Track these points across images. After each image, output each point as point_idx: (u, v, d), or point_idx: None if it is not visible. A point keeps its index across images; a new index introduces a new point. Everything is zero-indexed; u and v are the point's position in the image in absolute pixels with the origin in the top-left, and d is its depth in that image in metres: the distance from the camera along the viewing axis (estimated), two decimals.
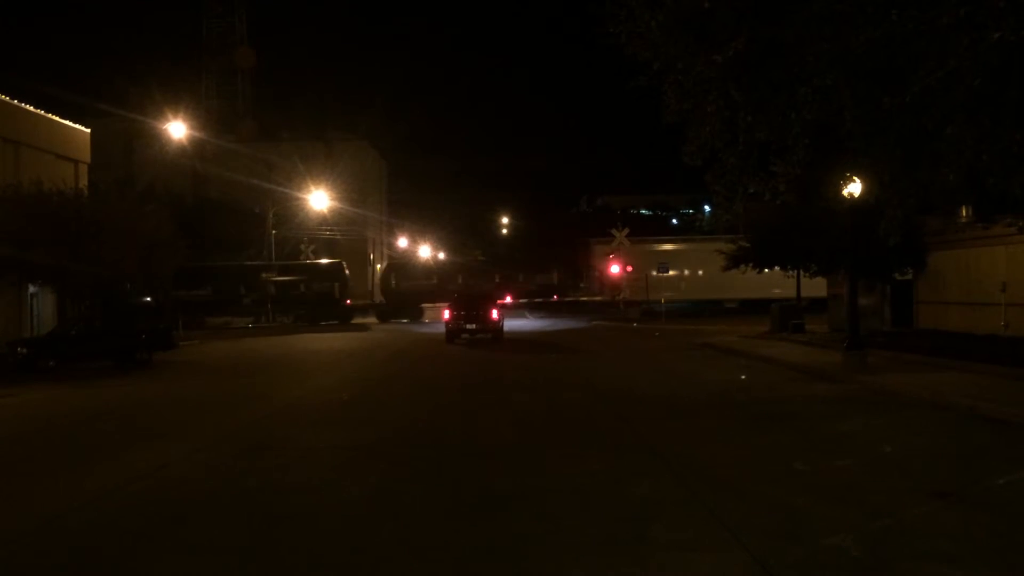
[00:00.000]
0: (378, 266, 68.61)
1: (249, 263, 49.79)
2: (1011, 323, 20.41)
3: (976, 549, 5.98)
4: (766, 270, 30.63)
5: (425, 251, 67.74)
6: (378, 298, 55.08)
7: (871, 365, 17.13)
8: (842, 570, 5.64)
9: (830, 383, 15.76)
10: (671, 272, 45.72)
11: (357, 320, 45.82)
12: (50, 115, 28.60)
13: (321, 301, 44.97)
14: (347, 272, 47.28)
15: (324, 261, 50.41)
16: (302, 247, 56.56)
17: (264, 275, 45.75)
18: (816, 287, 31.14)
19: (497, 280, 54.75)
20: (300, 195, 53.78)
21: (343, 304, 45.82)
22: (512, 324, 37.12)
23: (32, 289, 26.60)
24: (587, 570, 5.74)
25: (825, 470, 8.52)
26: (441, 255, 67.91)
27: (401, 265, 56.98)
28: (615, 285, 44.47)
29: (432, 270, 54.96)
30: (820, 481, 8.04)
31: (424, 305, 48.75)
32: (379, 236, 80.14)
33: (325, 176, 58.30)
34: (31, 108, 27.62)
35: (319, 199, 53.69)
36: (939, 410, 12.20)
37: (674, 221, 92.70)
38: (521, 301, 55.02)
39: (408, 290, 49.47)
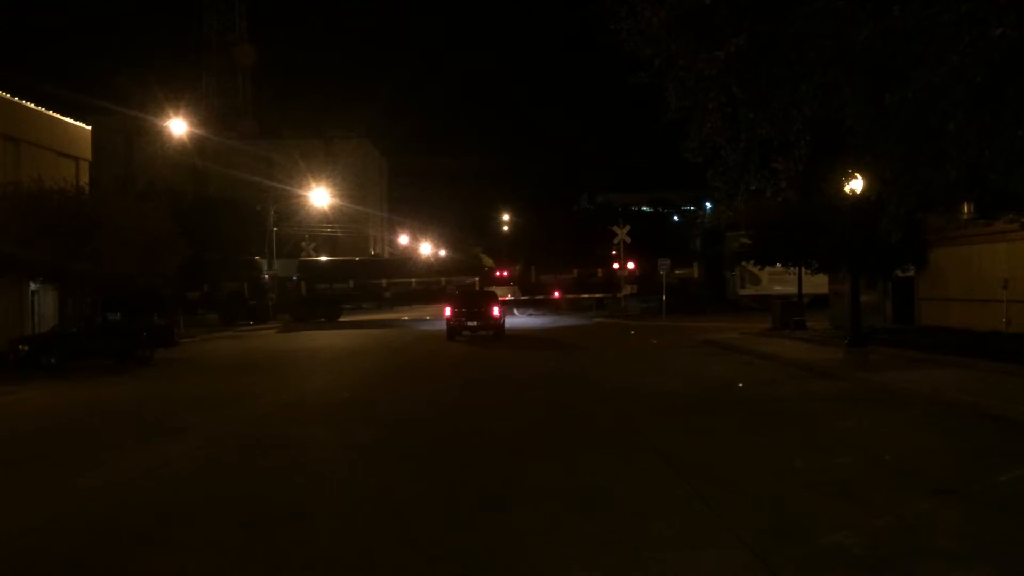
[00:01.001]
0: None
1: (390, 258, 51.20)
2: (1013, 320, 20.40)
3: (978, 547, 5.96)
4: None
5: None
6: None
7: (872, 362, 17.12)
8: (843, 568, 5.63)
9: (831, 380, 15.75)
10: None
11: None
12: (51, 112, 28.60)
13: None
14: (486, 268, 48.87)
15: (464, 256, 52.21)
16: (303, 244, 56.62)
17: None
18: (819, 284, 31.10)
19: (631, 267, 53.38)
20: (301, 192, 53.83)
21: None
22: (516, 321, 37.15)
23: (33, 287, 26.63)
24: (587, 568, 5.72)
25: (826, 468, 8.51)
26: (442, 252, 67.96)
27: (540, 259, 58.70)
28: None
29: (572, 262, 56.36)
30: (821, 479, 8.02)
31: (568, 296, 50.29)
32: (380, 233, 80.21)
33: (326, 173, 58.44)
34: (32, 105, 27.61)
35: (320, 196, 53.73)
36: (941, 407, 12.19)
37: (675, 218, 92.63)
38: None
39: (547, 283, 51.13)
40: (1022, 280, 20.37)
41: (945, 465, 8.67)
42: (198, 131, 47.43)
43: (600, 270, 54.47)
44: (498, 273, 54.04)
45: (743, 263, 43.14)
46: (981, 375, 14.59)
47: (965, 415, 11.53)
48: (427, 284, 48.44)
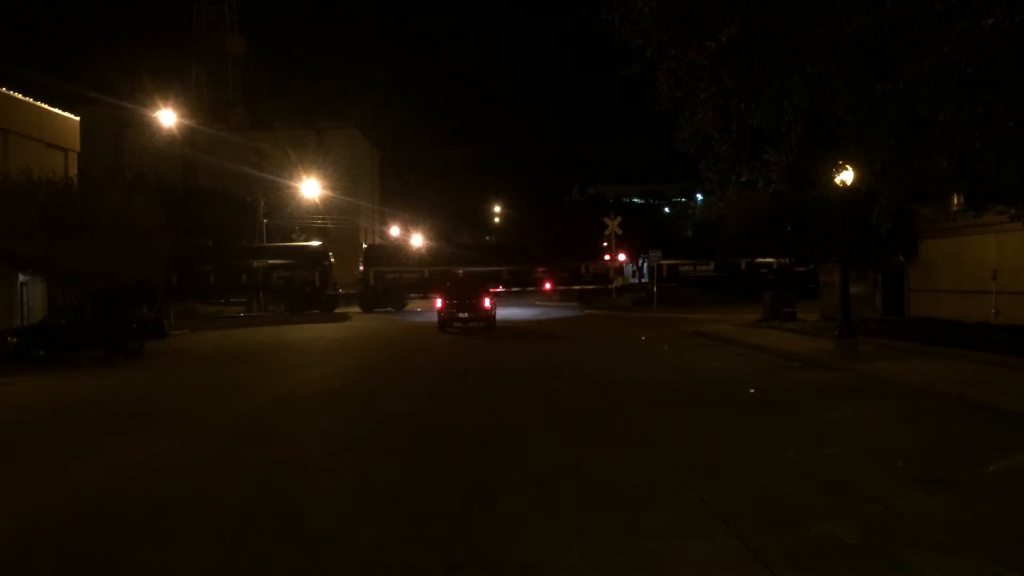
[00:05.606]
0: None
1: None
2: (1001, 311, 20.51)
3: (966, 536, 6.00)
4: None
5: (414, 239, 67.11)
6: None
7: (862, 353, 17.19)
8: (833, 557, 5.65)
9: (822, 371, 15.81)
10: None
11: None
12: (39, 103, 28.35)
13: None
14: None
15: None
16: (293, 236, 56.35)
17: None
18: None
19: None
20: (291, 184, 53.53)
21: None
22: (506, 313, 37.07)
23: (22, 278, 26.47)
24: (580, 556, 5.73)
25: (816, 458, 8.54)
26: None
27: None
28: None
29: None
30: (811, 469, 8.05)
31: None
32: (371, 225, 79.98)
33: (316, 165, 58.06)
34: (20, 96, 27.37)
35: (310, 188, 53.43)
36: (930, 398, 12.25)
37: (667, 210, 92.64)
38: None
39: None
40: (1011, 271, 20.47)
41: (934, 455, 8.71)
42: (188, 122, 47.05)
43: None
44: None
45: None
46: (970, 366, 14.67)
47: (954, 405, 11.59)
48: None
